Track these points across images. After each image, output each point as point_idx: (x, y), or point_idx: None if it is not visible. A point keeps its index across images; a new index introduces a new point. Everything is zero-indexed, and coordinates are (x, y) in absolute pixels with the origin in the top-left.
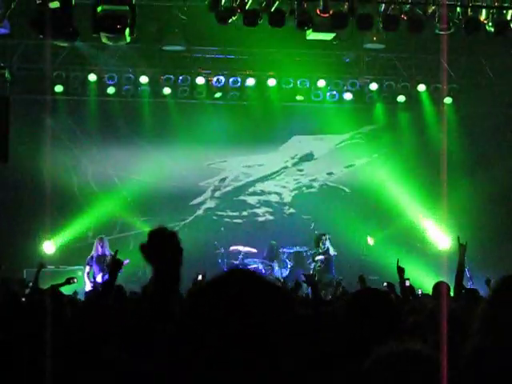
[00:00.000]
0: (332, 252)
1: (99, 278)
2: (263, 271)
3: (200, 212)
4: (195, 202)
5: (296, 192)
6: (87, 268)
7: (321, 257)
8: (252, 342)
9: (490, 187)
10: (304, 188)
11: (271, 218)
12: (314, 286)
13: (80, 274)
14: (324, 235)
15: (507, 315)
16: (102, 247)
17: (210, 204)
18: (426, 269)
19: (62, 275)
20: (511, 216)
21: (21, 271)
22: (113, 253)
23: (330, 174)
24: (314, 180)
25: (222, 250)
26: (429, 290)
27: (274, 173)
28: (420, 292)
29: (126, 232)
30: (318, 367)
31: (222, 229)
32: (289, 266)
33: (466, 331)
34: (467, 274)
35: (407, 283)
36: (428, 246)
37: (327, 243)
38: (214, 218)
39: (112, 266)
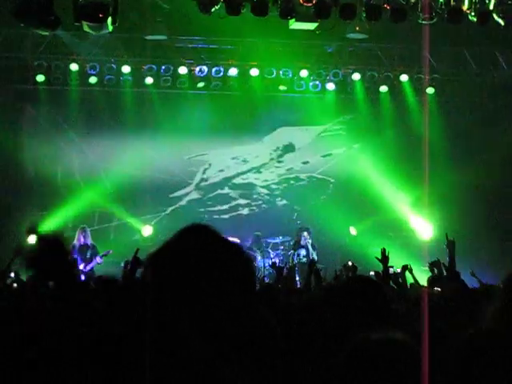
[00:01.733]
0: (312, 256)
1: (81, 267)
2: None
3: (183, 203)
4: (178, 193)
5: (279, 183)
6: None
7: (303, 250)
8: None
9: (472, 177)
10: (287, 179)
11: (254, 208)
12: (279, 272)
13: None
14: (306, 230)
15: None
16: (83, 237)
17: (193, 195)
18: (409, 258)
19: None
20: (493, 205)
21: (3, 262)
22: (94, 243)
23: (312, 164)
24: (297, 171)
25: None
26: (411, 279)
27: (258, 164)
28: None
29: (107, 223)
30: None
31: (206, 216)
32: (272, 256)
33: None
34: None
35: (391, 270)
36: (411, 235)
37: (309, 241)
38: (197, 209)
39: (132, 264)
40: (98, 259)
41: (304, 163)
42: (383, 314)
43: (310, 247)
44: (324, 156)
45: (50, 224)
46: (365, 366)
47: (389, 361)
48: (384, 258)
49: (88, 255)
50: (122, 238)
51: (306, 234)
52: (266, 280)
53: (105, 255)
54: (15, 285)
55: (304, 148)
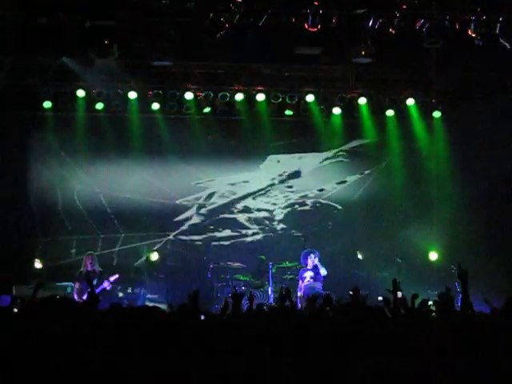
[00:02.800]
0: (323, 272)
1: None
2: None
3: (183, 228)
4: (180, 217)
5: (286, 209)
6: (77, 284)
7: (310, 273)
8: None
9: (480, 200)
10: (294, 205)
11: (260, 235)
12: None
13: (69, 290)
14: (312, 253)
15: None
16: (91, 264)
17: (196, 220)
18: (416, 282)
19: (51, 291)
20: (499, 228)
21: (9, 288)
22: (101, 269)
23: (318, 190)
24: (304, 196)
25: (212, 265)
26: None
27: (263, 189)
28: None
29: (110, 248)
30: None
31: (209, 243)
32: (279, 281)
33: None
34: (457, 287)
35: (399, 294)
36: (418, 259)
37: (316, 261)
38: (200, 234)
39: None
40: (105, 285)
41: (310, 189)
42: (385, 340)
43: (319, 266)
44: (329, 182)
45: (54, 250)
46: None
47: None
48: (395, 289)
49: (95, 281)
50: (125, 263)
51: (312, 256)
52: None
53: (113, 282)
54: (15, 310)
55: (310, 174)
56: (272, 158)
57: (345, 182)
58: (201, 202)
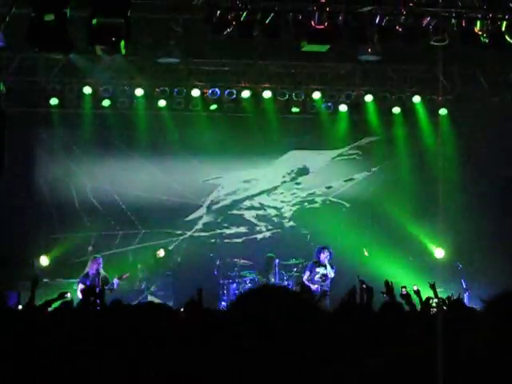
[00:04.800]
0: (330, 274)
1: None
2: (259, 283)
3: (197, 226)
4: (192, 216)
5: (294, 206)
6: (80, 286)
7: (322, 269)
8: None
9: (485, 198)
10: (301, 201)
11: (268, 232)
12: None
13: (75, 287)
14: (327, 249)
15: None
16: (95, 267)
17: (208, 219)
18: (422, 278)
19: (56, 288)
20: (506, 227)
21: (16, 284)
22: (106, 274)
23: (327, 187)
24: (311, 194)
25: (218, 262)
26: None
27: (271, 187)
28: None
29: (126, 246)
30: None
31: (218, 240)
32: (285, 278)
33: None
34: (463, 284)
35: (404, 291)
36: (424, 256)
37: (328, 259)
38: (210, 232)
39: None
40: (114, 282)
41: (318, 186)
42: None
43: (328, 266)
44: (337, 179)
45: (68, 247)
46: None
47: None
48: (388, 290)
49: (99, 283)
50: (140, 261)
51: (326, 252)
52: None
53: (120, 278)
54: (20, 306)
55: (318, 171)
56: (279, 155)
57: (352, 179)
58: (210, 199)
